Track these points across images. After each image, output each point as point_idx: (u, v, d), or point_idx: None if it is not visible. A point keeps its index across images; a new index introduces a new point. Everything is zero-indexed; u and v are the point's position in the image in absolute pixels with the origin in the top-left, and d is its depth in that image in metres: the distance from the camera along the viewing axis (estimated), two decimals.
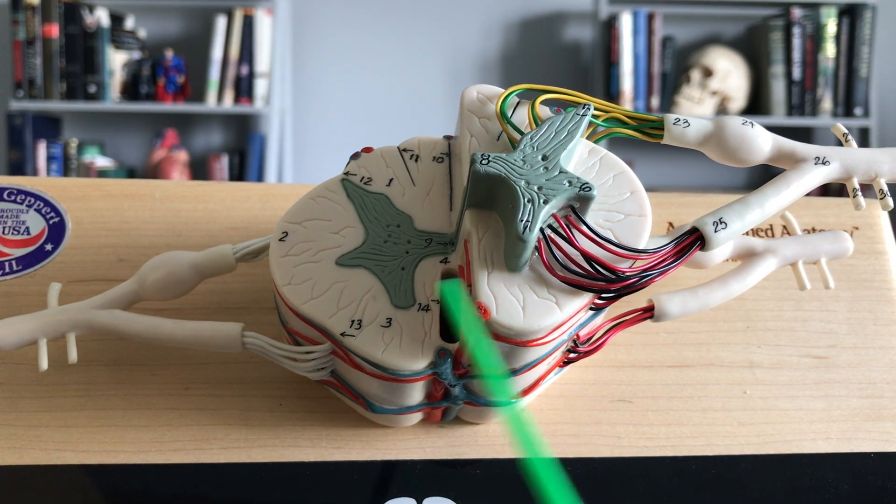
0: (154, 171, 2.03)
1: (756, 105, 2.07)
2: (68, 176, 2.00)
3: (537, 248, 0.28)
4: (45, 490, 0.33)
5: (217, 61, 2.03)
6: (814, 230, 0.42)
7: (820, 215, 0.42)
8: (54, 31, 1.97)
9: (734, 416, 0.37)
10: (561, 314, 0.28)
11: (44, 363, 0.32)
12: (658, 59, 2.03)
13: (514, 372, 0.30)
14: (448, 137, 0.34)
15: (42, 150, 2.02)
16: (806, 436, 0.37)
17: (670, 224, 0.41)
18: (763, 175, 1.95)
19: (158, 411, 0.35)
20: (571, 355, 0.33)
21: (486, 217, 0.29)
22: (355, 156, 0.33)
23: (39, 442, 0.34)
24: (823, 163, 0.33)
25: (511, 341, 0.27)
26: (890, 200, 0.34)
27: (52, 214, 0.39)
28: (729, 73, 2.00)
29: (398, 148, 0.34)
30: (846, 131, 0.35)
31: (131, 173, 2.12)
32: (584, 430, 0.36)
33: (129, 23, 2.09)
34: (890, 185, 0.34)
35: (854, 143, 0.35)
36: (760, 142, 0.34)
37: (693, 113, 1.95)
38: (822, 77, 2.01)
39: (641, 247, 0.30)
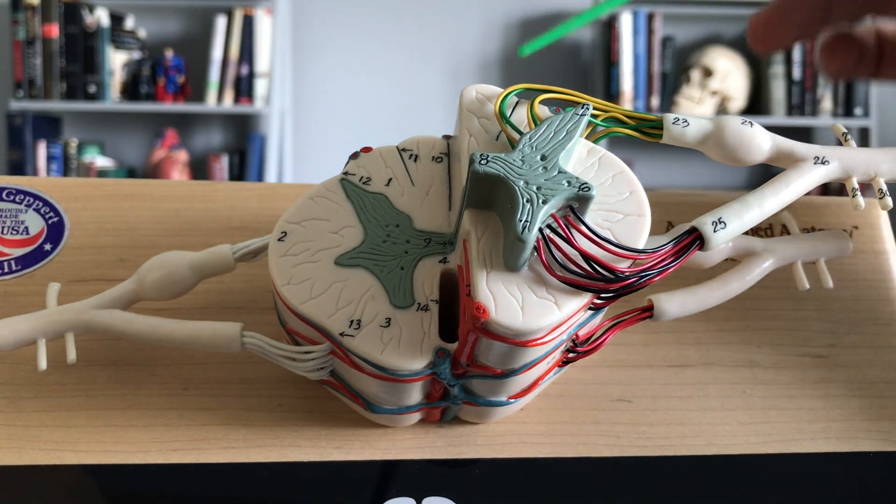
0: (154, 171, 2.03)
1: (756, 105, 2.07)
2: (68, 176, 2.00)
3: (536, 248, 0.28)
4: (45, 490, 0.33)
5: (217, 61, 2.03)
6: (813, 230, 0.42)
7: (819, 215, 0.42)
8: (54, 31, 1.97)
9: (734, 416, 0.37)
10: (560, 314, 0.28)
11: (43, 363, 0.32)
12: (658, 59, 2.03)
13: (513, 372, 0.30)
14: (447, 137, 0.34)
15: (42, 150, 2.02)
16: (805, 435, 0.37)
17: (669, 223, 0.41)
18: (762, 175, 1.95)
19: (158, 411, 0.35)
20: (570, 355, 0.33)
21: (485, 217, 0.29)
22: (354, 155, 0.33)
23: (38, 442, 0.34)
24: (822, 162, 0.33)
25: (510, 341, 0.27)
26: (889, 200, 0.34)
27: (51, 214, 0.39)
28: (729, 72, 2.00)
29: (397, 148, 0.34)
30: (845, 130, 0.35)
31: (131, 173, 2.12)
32: (583, 430, 0.36)
33: (129, 23, 2.09)
34: (889, 185, 0.34)
35: (853, 143, 0.35)
36: (759, 141, 0.34)
37: (693, 113, 1.95)
38: (822, 77, 2.01)
39: (640, 246, 0.30)
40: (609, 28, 2.01)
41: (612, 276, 0.28)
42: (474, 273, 0.28)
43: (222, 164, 2.09)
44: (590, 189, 0.28)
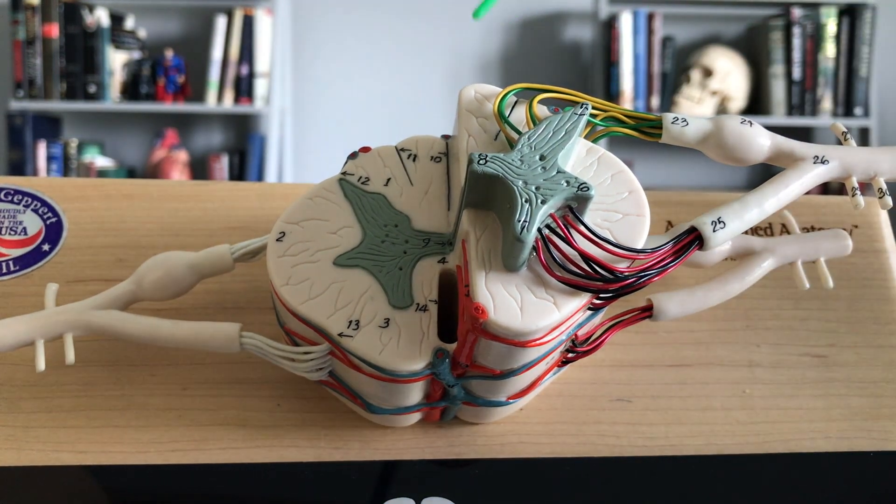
0: (154, 171, 2.03)
1: (756, 105, 2.07)
2: (68, 176, 2.00)
3: (535, 249, 0.28)
4: (44, 491, 0.33)
5: (217, 61, 2.03)
6: (813, 229, 0.42)
7: (819, 214, 0.42)
8: (54, 31, 1.97)
9: (734, 416, 0.37)
10: (559, 314, 0.28)
11: (41, 364, 0.31)
12: (658, 59, 2.03)
13: (513, 372, 0.30)
14: (446, 137, 0.34)
15: (42, 150, 2.02)
16: (805, 435, 0.37)
17: (669, 223, 0.41)
18: (762, 174, 1.95)
19: (156, 412, 0.35)
20: (570, 355, 0.32)
21: (484, 217, 0.29)
22: (353, 155, 0.33)
23: (37, 443, 0.34)
24: (822, 162, 0.33)
25: (509, 342, 0.27)
26: (889, 199, 0.34)
27: (50, 215, 0.38)
28: (729, 73, 2.00)
29: (396, 147, 0.33)
30: (845, 130, 0.35)
31: (131, 173, 2.12)
32: (583, 430, 0.36)
33: (129, 23, 2.09)
34: (889, 184, 0.34)
35: (853, 142, 0.35)
36: (759, 140, 0.34)
37: (693, 113, 1.95)
38: (822, 77, 2.01)
39: (640, 246, 0.29)
40: (609, 28, 2.01)
41: (612, 277, 0.28)
42: (473, 273, 0.28)
43: (222, 164, 2.08)
44: (589, 189, 0.28)
